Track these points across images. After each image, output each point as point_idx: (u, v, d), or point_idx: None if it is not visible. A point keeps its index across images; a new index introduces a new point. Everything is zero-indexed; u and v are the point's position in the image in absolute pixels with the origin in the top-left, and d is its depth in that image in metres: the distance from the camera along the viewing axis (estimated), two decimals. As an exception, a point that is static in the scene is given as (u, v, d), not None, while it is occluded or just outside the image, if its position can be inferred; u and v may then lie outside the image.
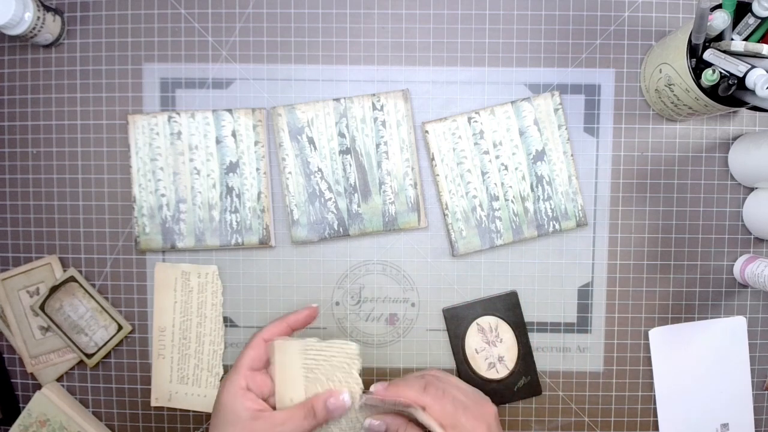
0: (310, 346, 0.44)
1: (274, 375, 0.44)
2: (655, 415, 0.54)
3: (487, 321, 0.53)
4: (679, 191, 0.53)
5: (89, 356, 0.53)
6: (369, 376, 0.54)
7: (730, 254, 0.53)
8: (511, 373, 0.53)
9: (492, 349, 0.53)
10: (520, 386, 0.53)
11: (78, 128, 0.54)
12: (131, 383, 0.54)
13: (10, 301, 0.53)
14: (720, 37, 0.44)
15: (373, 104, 0.52)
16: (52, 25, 0.51)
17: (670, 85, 0.47)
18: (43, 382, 0.54)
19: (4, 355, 0.55)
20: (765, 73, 0.42)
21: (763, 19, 0.43)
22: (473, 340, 0.53)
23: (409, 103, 0.52)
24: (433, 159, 0.52)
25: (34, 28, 0.49)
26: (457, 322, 0.53)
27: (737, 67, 0.43)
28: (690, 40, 0.43)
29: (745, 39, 0.44)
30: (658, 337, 0.53)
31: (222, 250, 0.53)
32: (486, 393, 0.50)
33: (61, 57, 0.53)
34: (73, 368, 0.54)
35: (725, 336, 0.53)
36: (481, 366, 0.53)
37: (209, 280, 0.53)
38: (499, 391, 0.53)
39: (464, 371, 0.53)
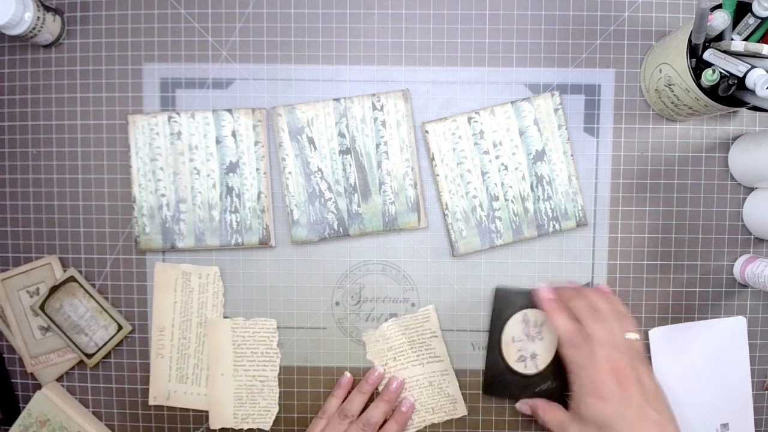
0: (237, 324, 0.53)
1: (209, 350, 0.53)
2: (655, 415, 0.54)
3: (535, 314, 0.52)
4: (679, 191, 0.53)
5: (89, 356, 0.53)
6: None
7: (730, 254, 0.53)
8: (539, 374, 0.51)
9: (529, 343, 0.52)
10: (542, 389, 0.51)
11: (78, 128, 0.54)
12: (131, 383, 0.54)
13: (10, 301, 0.53)
14: (720, 37, 0.44)
15: (373, 104, 0.52)
16: (52, 25, 0.51)
17: (670, 85, 0.47)
18: (43, 382, 0.54)
19: (4, 355, 0.55)
20: (765, 73, 0.42)
21: (763, 19, 0.43)
22: (514, 328, 0.52)
23: (409, 103, 0.52)
24: (433, 159, 0.52)
25: (34, 28, 0.49)
26: (505, 304, 0.52)
27: (737, 67, 0.43)
28: (690, 40, 0.43)
29: (745, 39, 0.44)
30: (658, 337, 0.53)
31: (222, 250, 0.53)
32: (505, 383, 0.51)
33: (61, 57, 0.53)
34: (73, 368, 0.54)
35: (725, 336, 0.53)
36: (511, 355, 0.51)
37: (210, 280, 0.53)
38: (519, 386, 0.52)
39: (493, 354, 0.52)
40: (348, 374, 0.53)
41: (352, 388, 0.53)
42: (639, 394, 0.42)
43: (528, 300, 0.51)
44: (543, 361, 0.52)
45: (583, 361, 0.44)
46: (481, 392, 0.53)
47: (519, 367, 0.52)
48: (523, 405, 0.51)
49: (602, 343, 0.44)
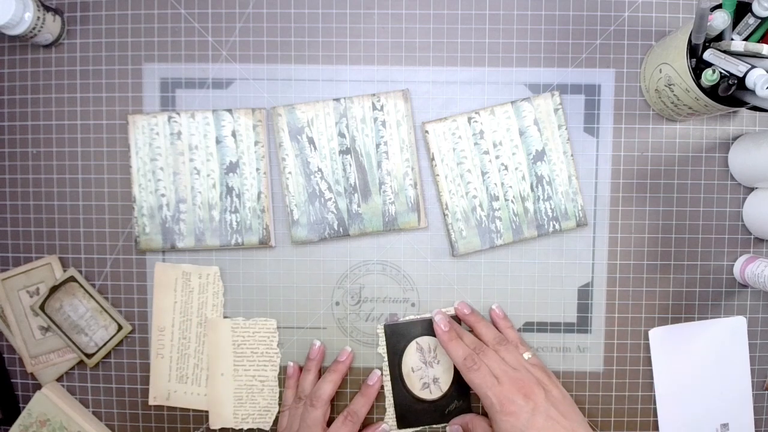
0: (237, 324, 0.53)
1: (209, 350, 0.53)
2: (655, 415, 0.54)
3: (427, 341, 0.53)
4: (679, 191, 0.53)
5: (89, 356, 0.53)
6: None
7: (730, 254, 0.53)
8: (444, 396, 0.52)
9: (428, 369, 0.53)
10: (451, 409, 0.52)
11: (78, 128, 0.54)
12: (131, 383, 0.54)
13: (10, 301, 0.53)
14: (720, 37, 0.44)
15: (373, 104, 0.52)
16: (52, 25, 0.51)
17: (670, 85, 0.47)
18: (43, 382, 0.54)
19: (4, 355, 0.55)
20: (765, 73, 0.42)
21: (763, 19, 0.43)
22: (411, 359, 0.53)
23: (409, 103, 0.52)
24: (433, 159, 0.52)
25: (34, 28, 0.49)
26: (396, 338, 0.53)
27: (737, 67, 0.43)
28: (690, 40, 0.43)
29: (745, 39, 0.44)
30: (658, 337, 0.53)
31: (222, 250, 0.53)
32: (417, 412, 0.52)
33: (61, 57, 0.53)
34: (73, 368, 0.54)
35: (725, 336, 0.53)
36: (415, 385, 0.52)
37: (210, 281, 0.53)
38: (429, 412, 0.52)
39: (398, 388, 0.52)
40: (291, 363, 0.53)
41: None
42: (546, 403, 0.45)
43: (416, 329, 0.53)
44: (445, 383, 0.52)
45: (487, 382, 0.45)
46: (396, 427, 0.53)
47: (425, 395, 0.52)
48: (454, 427, 0.52)
49: (497, 367, 0.46)
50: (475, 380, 0.46)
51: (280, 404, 0.54)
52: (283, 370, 0.54)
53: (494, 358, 0.47)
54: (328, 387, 0.50)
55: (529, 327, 0.54)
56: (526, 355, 0.49)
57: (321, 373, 0.53)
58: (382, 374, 0.53)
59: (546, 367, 0.50)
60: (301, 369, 0.53)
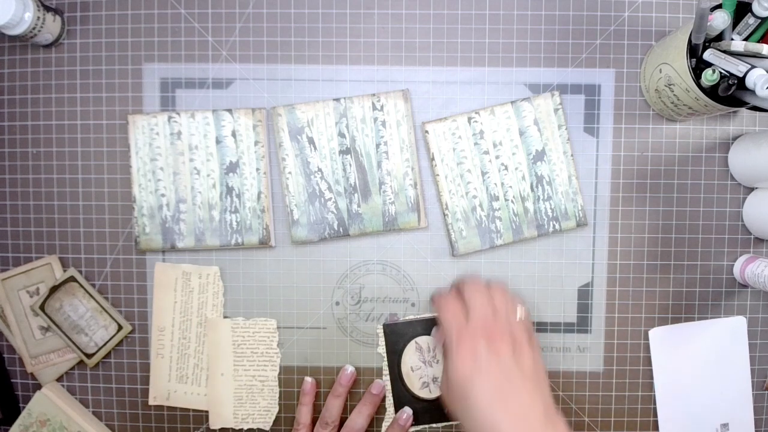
0: (237, 324, 0.53)
1: (209, 350, 0.53)
2: (655, 415, 0.54)
3: (426, 341, 0.53)
4: (679, 191, 0.53)
5: (89, 356, 0.53)
6: (369, 376, 0.54)
7: (730, 254, 0.53)
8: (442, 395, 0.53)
9: (428, 368, 0.53)
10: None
11: (78, 128, 0.54)
12: (131, 383, 0.54)
13: (10, 301, 0.53)
14: (720, 37, 0.44)
15: (373, 104, 0.52)
16: (52, 25, 0.51)
17: (670, 85, 0.47)
18: (43, 382, 0.54)
19: (4, 355, 0.55)
20: (765, 73, 0.42)
21: (763, 19, 0.43)
22: (410, 358, 0.53)
23: (409, 103, 0.52)
24: (433, 159, 0.52)
25: (34, 28, 0.49)
26: (395, 338, 0.53)
27: (737, 67, 0.43)
28: (690, 40, 0.43)
29: (745, 39, 0.44)
30: (658, 337, 0.53)
31: (222, 250, 0.53)
32: (416, 412, 0.52)
33: (61, 57, 0.53)
34: (73, 368, 0.54)
35: (725, 336, 0.53)
36: (414, 384, 0.52)
37: (210, 281, 0.53)
38: (429, 411, 0.52)
39: (397, 387, 0.53)
40: (309, 379, 0.52)
41: (320, 390, 0.53)
42: (511, 360, 0.40)
43: (415, 329, 0.53)
44: None
45: (461, 325, 0.43)
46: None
47: (424, 394, 0.52)
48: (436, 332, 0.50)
49: (478, 311, 0.43)
50: (442, 306, 0.44)
51: (280, 404, 0.54)
52: (283, 370, 0.54)
53: (482, 291, 0.44)
54: (363, 421, 0.50)
55: (529, 327, 0.54)
56: (519, 313, 0.44)
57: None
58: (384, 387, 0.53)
59: (533, 334, 0.45)
60: (317, 384, 0.53)
